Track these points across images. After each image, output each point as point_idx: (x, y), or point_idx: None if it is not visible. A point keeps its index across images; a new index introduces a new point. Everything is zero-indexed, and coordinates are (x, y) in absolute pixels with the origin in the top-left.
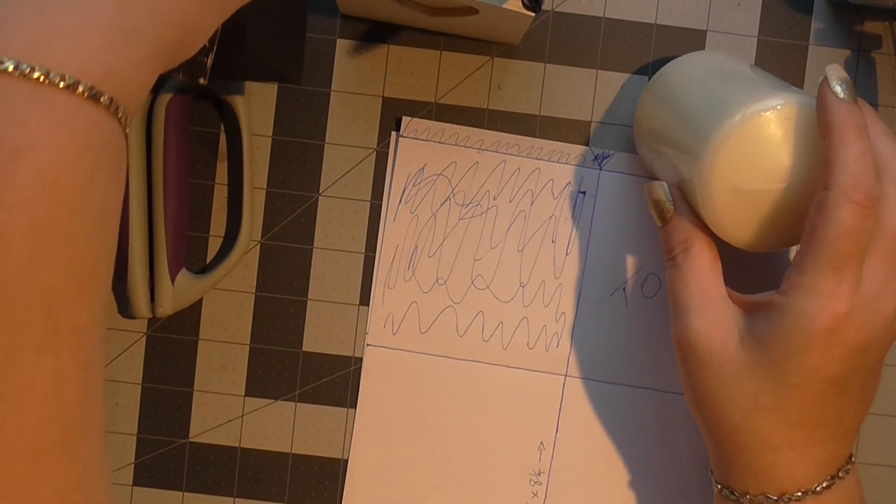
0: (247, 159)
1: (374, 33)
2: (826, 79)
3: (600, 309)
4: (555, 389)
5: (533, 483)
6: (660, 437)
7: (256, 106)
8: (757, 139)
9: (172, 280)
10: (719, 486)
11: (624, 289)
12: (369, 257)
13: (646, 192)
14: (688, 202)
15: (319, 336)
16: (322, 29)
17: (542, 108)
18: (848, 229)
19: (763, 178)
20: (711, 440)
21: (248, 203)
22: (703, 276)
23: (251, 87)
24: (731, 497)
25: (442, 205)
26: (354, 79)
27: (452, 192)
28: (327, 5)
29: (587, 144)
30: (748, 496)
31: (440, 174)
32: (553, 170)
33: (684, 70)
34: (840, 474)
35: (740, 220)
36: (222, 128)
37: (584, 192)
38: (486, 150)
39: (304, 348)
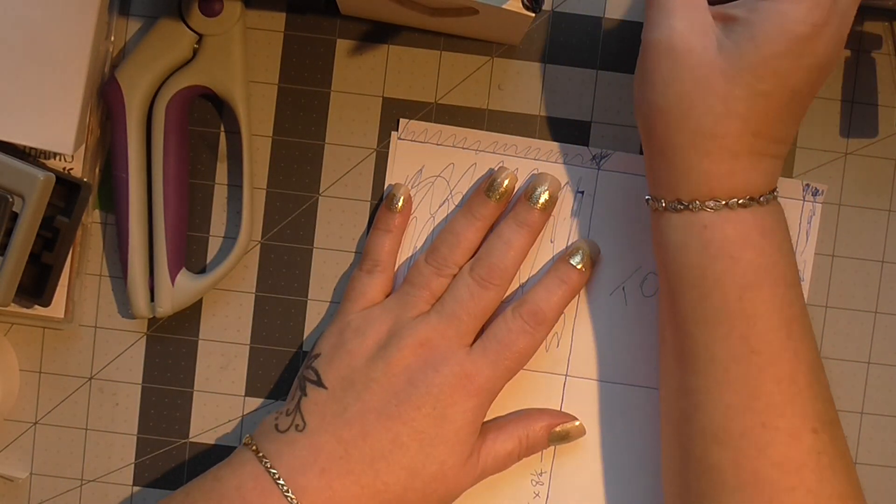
0: (247, 159)
1: (374, 33)
2: None
3: (600, 309)
4: (555, 389)
5: (535, 483)
6: (660, 437)
7: (256, 106)
8: None
9: (172, 280)
10: (663, 204)
11: (623, 288)
12: None
13: None
14: None
15: (320, 336)
16: (322, 29)
17: (541, 108)
18: None
19: None
20: (666, 152)
21: (248, 203)
22: None
23: (251, 87)
24: (678, 208)
25: (440, 206)
26: (354, 79)
27: (451, 193)
28: (327, 5)
29: (587, 144)
30: (697, 203)
31: (438, 175)
32: (551, 170)
33: None
34: (775, 193)
35: None
36: (222, 128)
37: (582, 192)
38: (483, 151)
39: (304, 348)
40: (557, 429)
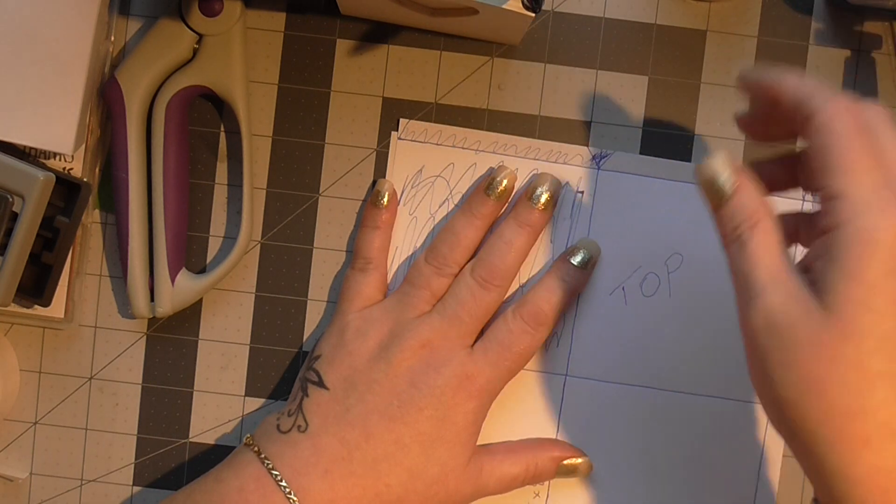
0: (247, 159)
1: (374, 33)
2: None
3: (600, 309)
4: (555, 389)
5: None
6: (660, 436)
7: (256, 106)
8: None
9: (172, 280)
10: None
11: (623, 288)
12: None
13: (699, 172)
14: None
15: (319, 336)
16: (322, 29)
17: (541, 108)
18: None
19: None
20: (814, 455)
21: (248, 203)
22: (775, 250)
23: (251, 87)
24: None
25: (440, 206)
26: (354, 79)
27: (451, 193)
28: (327, 5)
29: (587, 144)
30: None
31: (438, 175)
32: (551, 170)
33: None
34: None
35: None
36: (222, 128)
37: (582, 192)
38: (483, 151)
39: (304, 348)
40: (566, 462)
